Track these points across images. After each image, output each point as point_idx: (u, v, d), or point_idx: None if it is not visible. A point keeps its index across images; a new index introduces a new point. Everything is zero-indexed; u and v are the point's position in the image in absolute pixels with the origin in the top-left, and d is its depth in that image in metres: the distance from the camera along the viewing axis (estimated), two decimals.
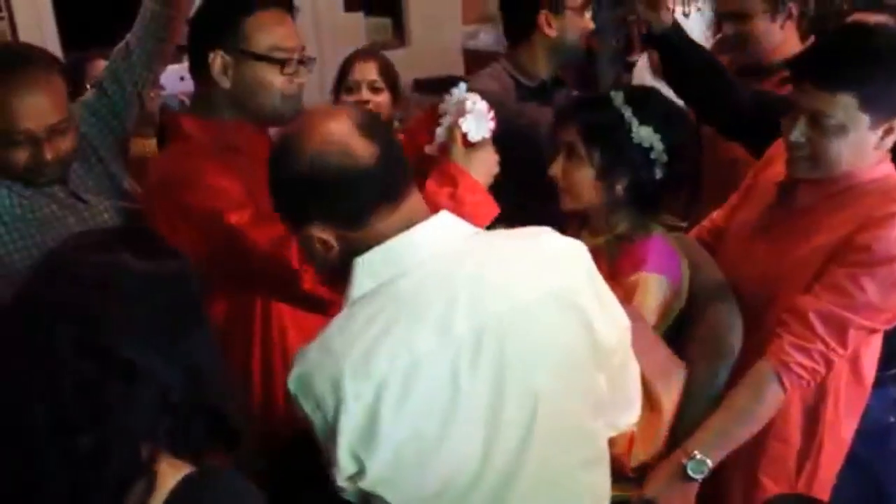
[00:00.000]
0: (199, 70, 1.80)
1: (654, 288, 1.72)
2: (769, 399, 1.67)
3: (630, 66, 4.57)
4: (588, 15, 2.38)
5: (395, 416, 1.20)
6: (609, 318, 1.39)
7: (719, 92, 2.18)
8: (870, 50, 1.66)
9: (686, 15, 2.95)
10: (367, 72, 2.61)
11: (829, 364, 1.66)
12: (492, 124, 1.68)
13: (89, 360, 1.02)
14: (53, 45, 4.66)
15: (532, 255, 1.35)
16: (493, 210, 1.63)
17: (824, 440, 1.79)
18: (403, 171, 1.32)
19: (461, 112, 1.66)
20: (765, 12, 2.35)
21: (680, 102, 2.14)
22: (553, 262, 1.35)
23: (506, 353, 1.25)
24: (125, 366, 1.03)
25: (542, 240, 1.39)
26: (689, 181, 1.87)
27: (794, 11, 2.39)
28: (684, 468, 1.65)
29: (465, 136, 1.65)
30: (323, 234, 1.30)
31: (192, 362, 1.09)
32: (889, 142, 1.68)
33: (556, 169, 1.83)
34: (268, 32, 1.77)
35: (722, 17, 2.42)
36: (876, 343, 1.78)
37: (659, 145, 1.76)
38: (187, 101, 3.07)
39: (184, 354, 1.09)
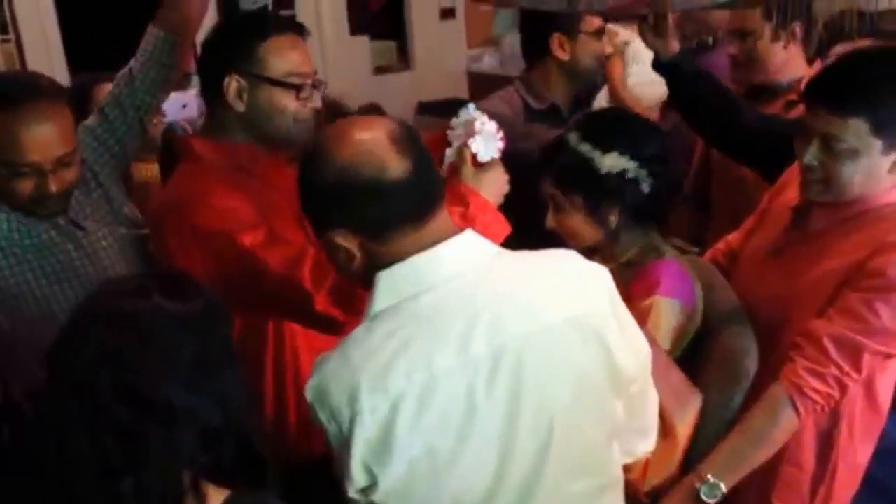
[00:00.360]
0: (212, 93, 1.80)
1: (667, 312, 1.71)
2: (783, 423, 1.66)
3: None
4: (605, 39, 2.40)
5: (410, 432, 1.20)
6: (630, 346, 1.38)
7: (727, 117, 2.18)
8: (881, 75, 1.66)
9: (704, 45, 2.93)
10: None
11: (843, 389, 1.65)
12: (501, 144, 1.69)
13: (129, 406, 1.07)
14: (60, 65, 4.71)
15: (555, 279, 1.35)
16: (505, 229, 1.64)
17: (838, 465, 1.78)
18: (434, 189, 1.32)
19: (470, 132, 1.67)
20: (768, 31, 2.35)
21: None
22: (576, 286, 1.35)
23: (523, 375, 1.25)
24: (164, 410, 1.08)
25: (565, 263, 1.39)
26: (680, 183, 1.85)
27: (799, 32, 2.38)
28: (697, 492, 1.64)
29: (474, 156, 1.66)
30: (346, 242, 1.30)
31: (225, 397, 1.14)
32: None
33: (550, 221, 1.83)
34: (283, 57, 1.77)
35: (729, 35, 2.42)
36: (892, 368, 1.77)
37: (631, 164, 1.73)
38: (189, 129, 3.10)
39: (218, 391, 1.13)
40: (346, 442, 1.21)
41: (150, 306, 1.13)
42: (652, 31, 2.12)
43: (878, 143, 1.63)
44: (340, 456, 1.23)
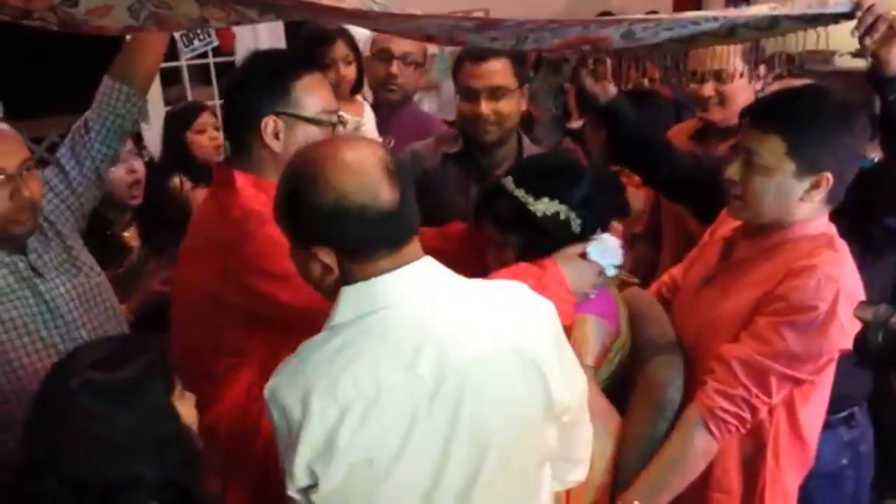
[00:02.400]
0: (244, 131, 1.83)
1: (591, 328, 1.78)
2: (698, 445, 1.72)
3: (569, 133, 4.69)
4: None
5: (352, 439, 1.28)
6: (567, 380, 1.45)
7: (660, 159, 2.26)
8: (807, 101, 1.78)
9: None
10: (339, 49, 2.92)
11: (753, 411, 1.71)
12: (618, 260, 1.79)
13: (76, 494, 1.25)
14: None
15: (503, 310, 1.42)
16: (570, 312, 1.69)
17: (765, 491, 1.82)
18: (413, 218, 1.39)
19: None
20: (744, 73, 2.40)
21: None
22: (522, 318, 1.42)
23: (463, 400, 1.32)
24: (102, 488, 1.26)
25: (516, 296, 1.46)
26: (612, 216, 1.93)
27: (763, 74, 2.45)
28: None
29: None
30: (327, 258, 1.36)
31: (165, 454, 1.30)
32: (817, 197, 1.75)
33: (489, 258, 1.89)
34: (315, 96, 1.83)
35: (701, 76, 2.45)
36: (817, 398, 1.83)
37: (562, 207, 1.81)
38: None
39: (156, 451, 1.31)
40: (293, 441, 1.28)
41: (80, 384, 1.30)
42: (591, 75, 2.20)
43: (791, 166, 1.71)
44: (286, 455, 1.30)
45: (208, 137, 3.32)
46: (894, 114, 1.79)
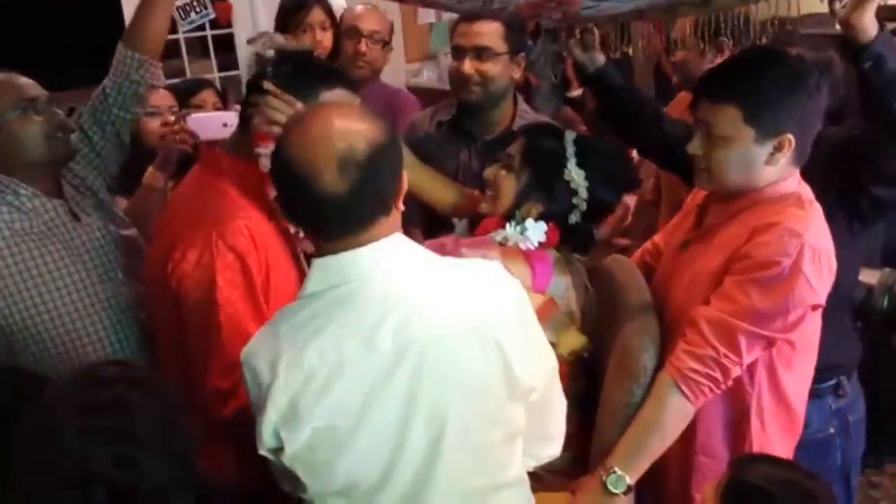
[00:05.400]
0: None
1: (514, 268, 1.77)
2: (673, 407, 1.73)
3: (569, 101, 4.67)
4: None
5: (315, 406, 1.33)
6: (532, 359, 1.46)
7: (651, 127, 2.25)
8: (756, 66, 1.76)
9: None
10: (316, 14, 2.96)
11: (724, 370, 1.71)
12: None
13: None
14: None
15: (467, 288, 1.43)
16: None
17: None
18: (374, 208, 1.37)
19: None
20: (694, 45, 2.42)
21: None
22: (485, 297, 1.43)
23: (421, 374, 1.35)
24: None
25: (482, 274, 1.47)
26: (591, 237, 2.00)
27: (726, 48, 2.45)
28: (605, 483, 1.71)
29: None
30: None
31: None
32: (782, 159, 1.74)
33: (488, 172, 1.92)
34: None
35: (675, 44, 2.48)
36: (800, 364, 1.83)
37: (584, 192, 1.84)
38: None
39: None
40: (262, 404, 1.34)
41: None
42: (579, 44, 2.18)
43: (751, 132, 1.71)
44: (257, 417, 1.35)
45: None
46: (871, 82, 1.77)
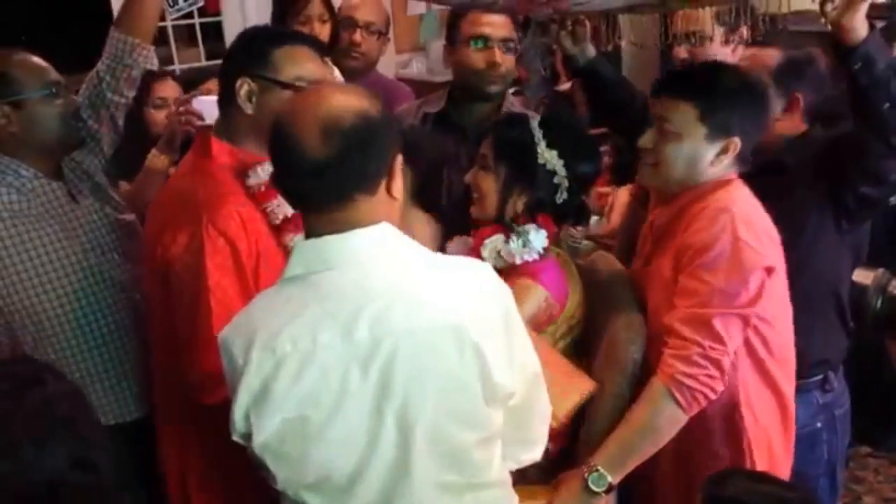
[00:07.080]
0: (226, 96, 1.83)
1: (532, 296, 1.80)
2: (665, 414, 1.73)
3: (558, 95, 4.67)
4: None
5: (286, 394, 1.31)
6: (513, 363, 1.43)
7: (642, 119, 2.20)
8: (716, 71, 1.86)
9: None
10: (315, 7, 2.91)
11: (715, 363, 1.70)
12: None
13: None
14: None
15: (452, 287, 1.40)
16: None
17: (752, 448, 1.83)
18: (355, 182, 1.35)
19: None
20: (720, 36, 2.40)
21: None
22: (469, 298, 1.40)
23: (394, 369, 1.33)
24: None
25: (470, 275, 1.44)
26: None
27: (746, 36, 2.39)
28: (586, 481, 1.71)
29: None
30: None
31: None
32: (725, 161, 1.81)
33: (469, 176, 1.92)
34: (296, 64, 1.80)
35: (675, 38, 2.42)
36: (782, 346, 1.84)
37: (562, 170, 1.84)
38: None
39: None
40: (235, 387, 1.32)
41: None
42: (570, 37, 2.18)
43: (703, 130, 1.77)
44: (231, 400, 1.34)
45: None
46: (860, 83, 1.78)
